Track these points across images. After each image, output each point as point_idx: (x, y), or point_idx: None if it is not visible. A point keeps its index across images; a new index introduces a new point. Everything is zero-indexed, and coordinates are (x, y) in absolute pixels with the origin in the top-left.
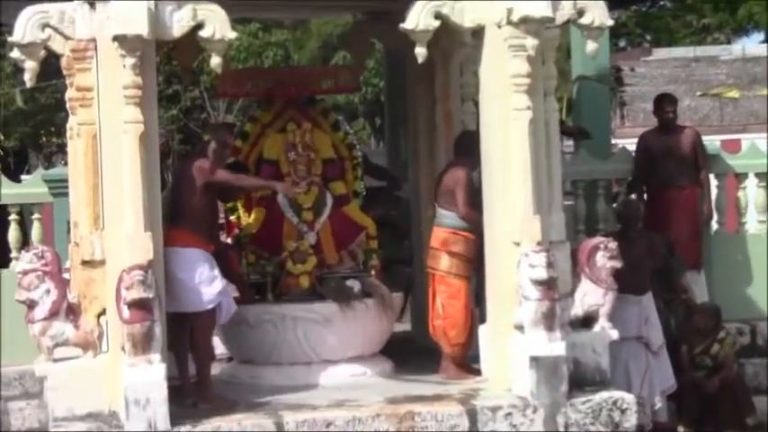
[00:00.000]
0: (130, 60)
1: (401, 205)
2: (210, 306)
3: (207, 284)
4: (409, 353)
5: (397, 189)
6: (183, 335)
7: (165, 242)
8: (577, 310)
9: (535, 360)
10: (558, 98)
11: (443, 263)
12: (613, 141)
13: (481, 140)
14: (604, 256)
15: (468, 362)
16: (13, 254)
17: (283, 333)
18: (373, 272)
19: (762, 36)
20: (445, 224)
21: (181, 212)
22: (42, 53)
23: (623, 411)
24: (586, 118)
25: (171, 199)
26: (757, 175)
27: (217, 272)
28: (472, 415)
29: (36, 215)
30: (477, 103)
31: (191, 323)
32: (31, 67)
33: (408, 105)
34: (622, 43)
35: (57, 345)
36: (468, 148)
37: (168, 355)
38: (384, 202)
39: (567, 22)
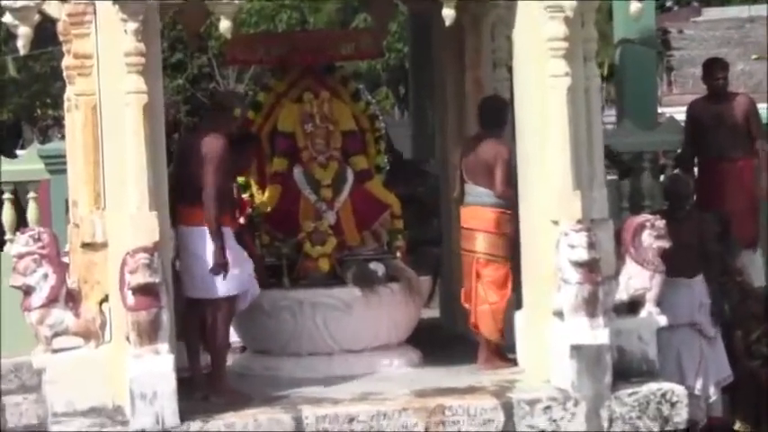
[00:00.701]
0: (132, 25)
1: (429, 181)
2: (242, 290)
3: (238, 267)
4: (438, 341)
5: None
6: (194, 322)
7: (183, 221)
8: (622, 294)
9: (576, 349)
10: (599, 63)
11: (489, 245)
12: (660, 110)
13: (515, 110)
14: (651, 236)
15: (503, 351)
16: (8, 236)
17: (301, 321)
18: (398, 254)
19: None
20: (488, 203)
21: (198, 189)
22: (37, 17)
23: (673, 404)
24: (630, 84)
25: (180, 175)
26: None
27: (246, 253)
28: (508, 409)
29: (32, 194)
30: (510, 70)
31: (207, 309)
32: (24, 32)
33: (435, 72)
34: (669, 2)
35: (56, 334)
36: (497, 117)
37: (176, 344)
38: (410, 177)
39: None
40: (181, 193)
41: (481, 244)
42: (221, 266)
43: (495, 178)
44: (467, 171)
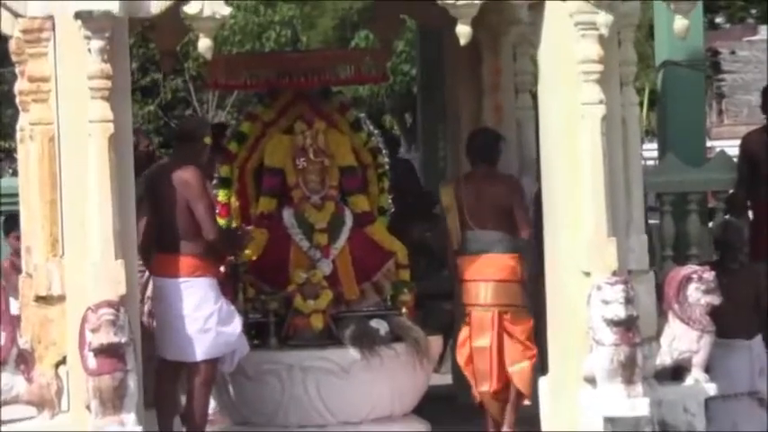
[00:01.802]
0: (97, 43)
1: (439, 225)
2: (226, 352)
3: (226, 323)
4: (450, 412)
5: (431, 205)
6: (168, 388)
7: (156, 270)
8: (665, 357)
9: (611, 421)
10: (639, 89)
11: (513, 295)
12: (709, 144)
13: (540, 143)
14: (698, 290)
15: None
16: None
17: (290, 387)
18: (404, 310)
19: None
20: (502, 249)
21: (177, 233)
22: None
23: None
24: (675, 113)
25: (152, 217)
26: None
27: (233, 308)
28: None
29: None
30: (535, 96)
31: (183, 374)
32: None
33: (448, 98)
34: (720, 19)
35: (4, 402)
36: (495, 152)
37: (146, 414)
38: (418, 220)
39: None
40: (153, 239)
41: (504, 296)
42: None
43: (519, 220)
44: (472, 215)
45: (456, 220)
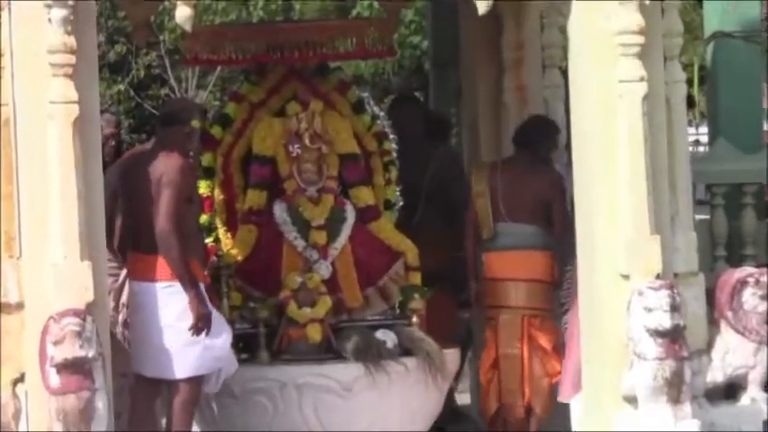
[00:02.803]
0: (59, 12)
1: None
2: (213, 369)
3: (216, 335)
4: None
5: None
6: (147, 409)
7: (132, 274)
8: (716, 373)
9: None
10: (685, 65)
11: (543, 298)
12: (766, 127)
13: (572, 126)
14: (755, 295)
15: None
16: None
17: (284, 408)
18: (415, 318)
19: None
20: (536, 245)
21: (152, 231)
22: None
23: None
24: (727, 92)
25: (126, 213)
26: None
27: (223, 318)
28: None
29: None
30: (565, 73)
31: (166, 392)
32: None
33: (464, 76)
34: None
35: None
36: (542, 140)
37: None
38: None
39: None
40: (128, 238)
41: (534, 298)
42: (204, 320)
43: (556, 217)
44: (508, 206)
45: (488, 209)
